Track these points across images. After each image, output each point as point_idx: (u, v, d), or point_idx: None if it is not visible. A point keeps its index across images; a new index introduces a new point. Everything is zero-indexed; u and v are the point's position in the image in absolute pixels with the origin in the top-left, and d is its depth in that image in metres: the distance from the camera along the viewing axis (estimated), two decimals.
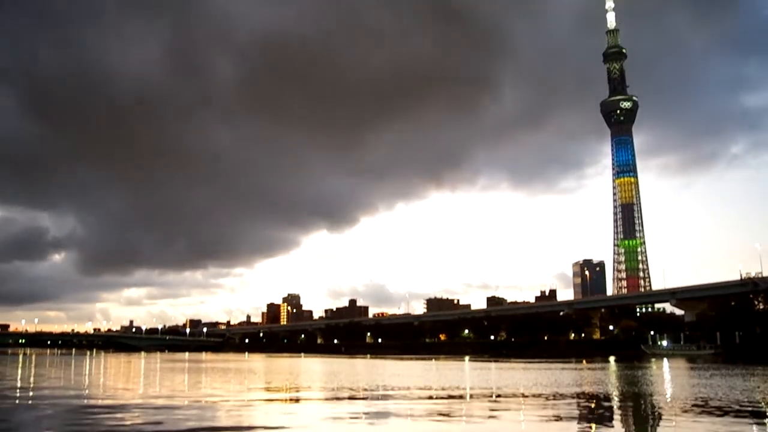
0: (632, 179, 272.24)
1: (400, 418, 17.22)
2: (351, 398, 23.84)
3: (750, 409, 18.06)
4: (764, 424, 15.62)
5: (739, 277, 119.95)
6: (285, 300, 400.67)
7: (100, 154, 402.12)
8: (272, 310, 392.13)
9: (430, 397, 24.04)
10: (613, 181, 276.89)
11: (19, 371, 50.56)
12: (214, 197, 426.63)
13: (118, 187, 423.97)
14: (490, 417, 17.62)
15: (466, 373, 44.20)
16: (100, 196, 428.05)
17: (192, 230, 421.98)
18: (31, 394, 27.93)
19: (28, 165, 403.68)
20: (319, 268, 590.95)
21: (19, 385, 34.48)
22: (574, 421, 17.14)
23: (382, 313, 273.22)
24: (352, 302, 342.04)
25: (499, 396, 23.84)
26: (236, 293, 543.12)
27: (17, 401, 24.37)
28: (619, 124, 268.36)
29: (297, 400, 24.06)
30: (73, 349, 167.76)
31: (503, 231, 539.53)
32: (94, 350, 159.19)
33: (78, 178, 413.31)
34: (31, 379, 36.71)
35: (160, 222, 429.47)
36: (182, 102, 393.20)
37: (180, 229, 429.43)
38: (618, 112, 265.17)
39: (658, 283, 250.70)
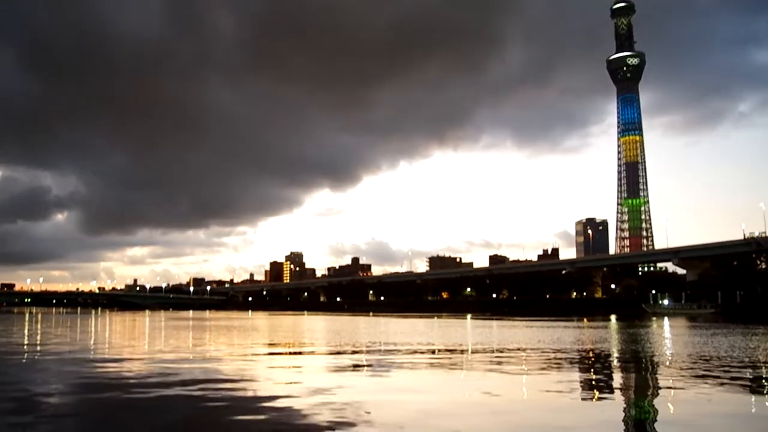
0: (637, 137, 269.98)
1: (403, 370, 17.28)
2: (354, 353, 23.98)
3: (751, 368, 18.01)
4: (764, 384, 15.52)
5: (742, 237, 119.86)
6: (288, 258, 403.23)
7: (101, 113, 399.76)
8: (275, 269, 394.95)
9: (432, 352, 24.15)
10: (618, 139, 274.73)
11: (26, 329, 51.06)
12: (217, 156, 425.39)
13: (120, 146, 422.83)
14: (491, 371, 17.68)
15: (468, 330, 44.49)
16: (102, 155, 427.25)
17: (194, 189, 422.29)
18: (38, 349, 28.23)
19: (28, 124, 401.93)
20: (322, 226, 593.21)
21: (26, 341, 34.83)
22: (575, 377, 17.16)
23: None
24: (355, 260, 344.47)
25: (500, 352, 23.91)
26: (239, 252, 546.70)
27: (25, 357, 24.58)
28: (626, 81, 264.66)
29: (300, 353, 24.22)
30: (78, 308, 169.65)
31: (506, 189, 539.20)
32: (99, 309, 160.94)
33: (79, 137, 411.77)
34: (38, 337, 37.00)
35: (163, 181, 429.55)
36: (183, 59, 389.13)
37: (182, 188, 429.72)
38: (624, 69, 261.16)
39: (660, 242, 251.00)
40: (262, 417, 10.81)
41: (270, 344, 30.55)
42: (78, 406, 12.50)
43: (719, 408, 11.66)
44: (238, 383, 15.02)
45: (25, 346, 30.57)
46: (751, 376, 16.27)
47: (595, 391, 14.75)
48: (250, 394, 13.36)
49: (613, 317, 75.06)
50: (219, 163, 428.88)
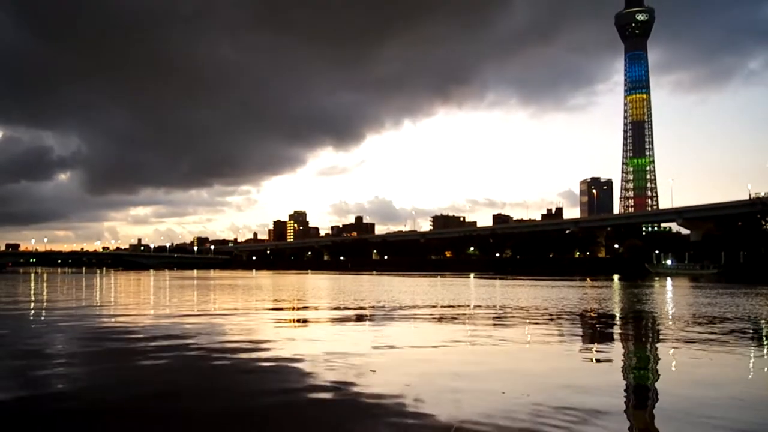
0: (644, 96, 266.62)
1: (407, 329, 17.29)
2: (358, 311, 24.04)
3: (753, 328, 17.96)
4: (764, 344, 15.47)
5: (747, 197, 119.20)
6: (291, 217, 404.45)
7: (102, 71, 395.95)
8: (279, 228, 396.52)
9: (436, 311, 24.17)
10: (625, 97, 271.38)
11: (33, 288, 51.55)
12: (219, 114, 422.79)
13: (122, 105, 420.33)
14: (494, 326, 17.70)
15: (471, 289, 44.65)
16: (104, 115, 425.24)
17: (197, 148, 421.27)
18: (45, 306, 28.46)
19: (29, 83, 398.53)
20: (325, 185, 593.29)
21: (33, 299, 35.19)
22: (577, 336, 17.17)
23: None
24: (359, 219, 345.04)
25: (502, 310, 23.94)
26: (243, 211, 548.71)
27: (32, 313, 24.77)
28: (634, 38, 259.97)
29: (304, 312, 24.31)
30: (83, 268, 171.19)
31: (510, 148, 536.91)
32: (104, 268, 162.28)
33: (80, 96, 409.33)
34: (44, 296, 37.30)
35: (165, 140, 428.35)
36: (184, 15, 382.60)
37: (185, 147, 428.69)
38: (633, 25, 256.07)
39: (665, 202, 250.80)
40: (267, 375, 10.77)
41: (274, 303, 30.68)
42: (82, 356, 12.53)
43: (720, 367, 11.60)
44: (242, 340, 15.03)
45: (32, 304, 30.86)
46: (751, 336, 16.20)
47: (595, 348, 14.73)
48: (254, 353, 13.34)
49: (615, 277, 75.31)
50: (221, 122, 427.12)
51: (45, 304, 30.60)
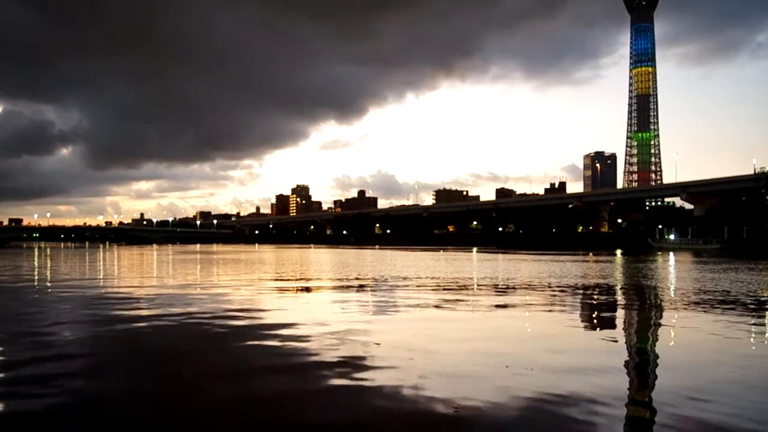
0: (650, 69, 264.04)
1: (410, 302, 17.26)
2: (361, 285, 24.05)
3: (755, 303, 17.90)
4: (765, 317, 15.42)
5: (752, 172, 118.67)
6: (294, 191, 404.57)
7: (103, 45, 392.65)
8: (281, 202, 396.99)
9: (439, 284, 24.16)
10: (630, 71, 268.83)
11: (36, 262, 51.76)
12: (221, 88, 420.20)
13: (123, 79, 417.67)
14: (497, 300, 17.66)
15: (473, 263, 44.65)
16: (105, 89, 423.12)
17: (199, 122, 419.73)
18: (49, 280, 28.56)
19: (29, 57, 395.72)
20: (328, 159, 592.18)
21: (37, 273, 35.31)
22: (579, 309, 17.14)
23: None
24: (361, 193, 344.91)
25: (505, 285, 23.92)
26: (245, 185, 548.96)
27: (37, 286, 24.85)
28: (641, 10, 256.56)
29: (307, 285, 24.33)
30: (86, 242, 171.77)
31: (514, 122, 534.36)
32: (107, 243, 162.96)
33: (81, 70, 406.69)
34: (48, 271, 37.46)
35: (167, 114, 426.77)
36: None
37: (187, 121, 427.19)
38: None
39: (669, 176, 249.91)
40: (271, 346, 10.73)
41: (278, 276, 30.70)
42: (86, 331, 12.55)
43: (721, 341, 11.54)
44: (245, 313, 15.00)
45: (36, 277, 30.97)
46: (753, 310, 16.14)
47: (598, 321, 14.69)
48: (257, 323, 13.32)
49: (618, 252, 75.29)
50: (224, 96, 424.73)
51: (49, 277, 30.73)
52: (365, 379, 8.27)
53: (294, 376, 8.54)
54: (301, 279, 28.85)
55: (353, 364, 9.17)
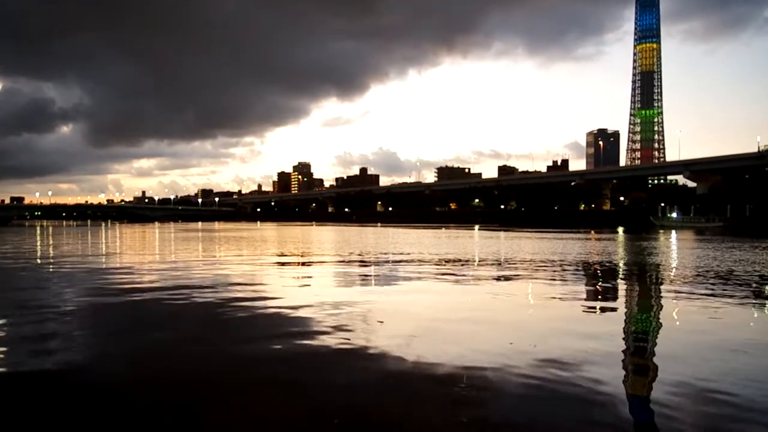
0: (654, 45, 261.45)
1: (412, 280, 17.26)
2: (363, 262, 24.06)
3: (757, 282, 17.86)
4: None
5: (756, 150, 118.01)
6: (295, 169, 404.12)
7: (103, 22, 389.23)
8: (283, 179, 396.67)
9: (441, 262, 24.17)
10: (635, 47, 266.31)
11: (39, 240, 51.92)
12: (222, 65, 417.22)
13: (123, 56, 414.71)
14: (499, 277, 17.66)
15: (475, 241, 44.65)
16: (105, 66, 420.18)
17: (200, 99, 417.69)
18: (52, 257, 28.66)
19: (29, 33, 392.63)
20: (330, 136, 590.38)
21: (40, 251, 35.43)
22: (581, 286, 17.12)
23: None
24: (363, 171, 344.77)
25: (507, 262, 23.91)
26: (247, 163, 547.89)
27: (40, 263, 24.92)
28: None
29: (309, 263, 24.35)
30: (88, 221, 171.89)
31: (517, 98, 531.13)
32: (109, 221, 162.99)
33: (81, 47, 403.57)
34: (51, 250, 37.58)
35: (167, 91, 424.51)
36: None
37: (187, 99, 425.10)
38: None
39: (672, 154, 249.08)
40: (275, 321, 10.74)
41: (280, 254, 30.73)
42: (89, 303, 12.59)
43: (724, 318, 11.52)
44: (247, 286, 15.01)
45: (39, 254, 31.08)
46: (755, 289, 16.12)
47: (599, 300, 14.67)
48: (259, 301, 13.31)
49: (620, 230, 75.23)
50: (225, 73, 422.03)
51: (52, 254, 30.82)
52: (369, 347, 8.28)
53: (294, 342, 8.55)
54: (303, 256, 28.87)
55: (353, 332, 9.18)
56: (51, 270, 22.33)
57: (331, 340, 9.22)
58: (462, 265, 23.17)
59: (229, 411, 6.09)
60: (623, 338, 10.05)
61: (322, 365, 7.88)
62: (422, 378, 7.23)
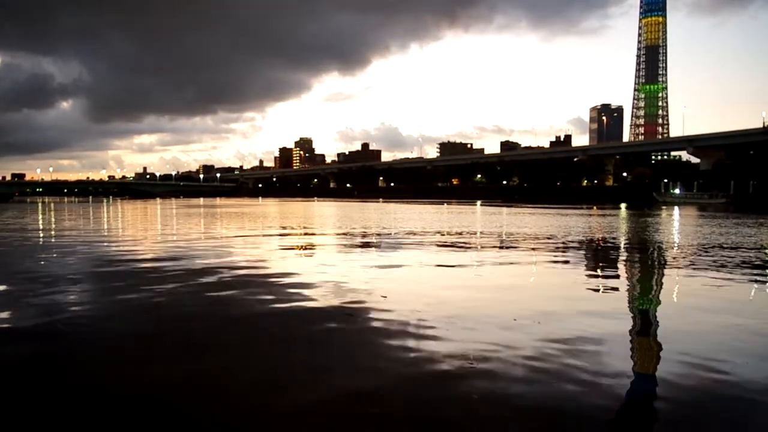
0: (660, 19, 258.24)
1: (415, 255, 17.17)
2: (365, 238, 24.01)
3: (758, 257, 17.77)
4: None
5: (762, 126, 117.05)
6: (297, 144, 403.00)
7: None
8: (284, 155, 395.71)
9: (442, 233, 24.09)
10: (640, 20, 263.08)
11: (40, 216, 51.96)
12: (222, 40, 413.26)
13: (123, 31, 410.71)
14: (501, 256, 17.58)
15: (477, 216, 44.54)
16: (104, 41, 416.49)
17: (200, 74, 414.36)
18: (54, 232, 28.64)
19: (27, 7, 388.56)
20: (331, 111, 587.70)
21: (41, 226, 35.47)
22: (582, 263, 17.06)
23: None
24: (365, 146, 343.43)
25: (509, 238, 23.82)
26: (248, 138, 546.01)
27: (42, 239, 24.93)
28: None
29: (311, 238, 24.27)
30: (90, 197, 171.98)
31: (520, 73, 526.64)
32: (110, 197, 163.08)
33: (80, 21, 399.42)
34: (52, 226, 37.64)
35: (168, 66, 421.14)
36: None
37: (188, 74, 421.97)
38: None
39: (676, 130, 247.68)
40: (278, 299, 10.66)
41: (282, 229, 30.66)
42: (92, 275, 12.55)
43: (727, 294, 11.45)
44: (250, 269, 14.93)
45: (41, 230, 31.09)
46: (757, 265, 16.02)
47: (600, 276, 14.58)
48: (260, 272, 13.24)
49: (623, 206, 75.04)
50: (225, 48, 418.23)
51: (54, 230, 30.85)
52: (375, 319, 8.21)
53: (295, 320, 8.48)
54: (306, 232, 28.81)
55: (358, 309, 9.11)
56: (54, 246, 22.29)
57: (333, 324, 9.12)
58: (465, 242, 23.07)
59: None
60: (631, 315, 9.98)
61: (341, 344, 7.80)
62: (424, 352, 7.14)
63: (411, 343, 7.63)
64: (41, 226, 33.90)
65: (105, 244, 22.65)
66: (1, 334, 8.23)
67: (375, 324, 8.67)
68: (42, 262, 16.40)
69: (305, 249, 20.98)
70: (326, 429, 5.00)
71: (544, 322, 8.80)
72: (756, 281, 13.12)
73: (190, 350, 7.36)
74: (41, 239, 25.07)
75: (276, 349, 7.45)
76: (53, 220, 40.98)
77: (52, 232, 28.29)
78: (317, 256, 19.13)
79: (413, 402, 5.58)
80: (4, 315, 9.40)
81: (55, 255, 18.57)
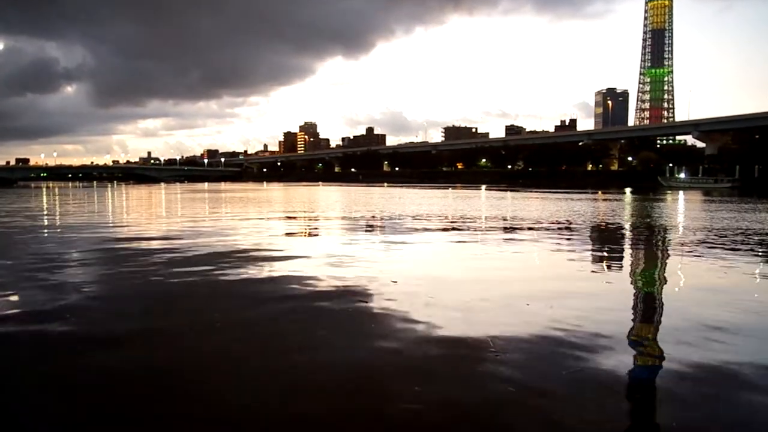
0: (666, 2, 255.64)
1: (422, 241, 17.24)
2: (371, 222, 24.07)
3: (762, 240, 17.79)
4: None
5: None
6: (302, 128, 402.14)
7: None
8: (289, 139, 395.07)
9: (449, 222, 24.16)
10: (646, 4, 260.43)
11: (45, 201, 52.17)
12: (226, 24, 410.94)
13: (126, 15, 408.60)
14: (506, 239, 17.63)
15: (482, 201, 44.57)
16: (108, 24, 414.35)
17: (204, 58, 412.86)
18: (59, 217, 28.79)
19: None
20: (336, 95, 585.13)
21: (46, 211, 35.62)
22: (587, 245, 17.13)
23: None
24: (370, 130, 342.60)
25: (515, 222, 23.87)
26: (252, 122, 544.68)
27: (46, 223, 25.06)
28: None
29: (317, 223, 24.36)
30: (94, 182, 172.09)
31: (525, 57, 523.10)
32: (115, 182, 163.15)
33: (83, 5, 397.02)
34: (57, 208, 37.81)
35: (172, 50, 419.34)
36: None
37: (192, 58, 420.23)
38: None
39: (682, 114, 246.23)
40: (281, 285, 10.76)
41: (287, 213, 30.75)
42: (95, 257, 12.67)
43: (732, 276, 11.50)
44: (253, 252, 15.02)
45: (46, 215, 31.26)
46: (761, 248, 16.06)
47: (605, 259, 14.64)
48: (265, 255, 13.33)
49: (628, 190, 74.88)
50: (229, 32, 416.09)
51: (59, 215, 31.02)
52: (388, 299, 8.30)
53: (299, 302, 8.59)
54: (311, 217, 28.89)
55: (366, 294, 9.20)
56: (58, 231, 22.43)
57: (343, 305, 9.21)
58: (471, 226, 23.13)
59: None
60: (637, 299, 10.05)
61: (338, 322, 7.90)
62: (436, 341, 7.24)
63: (421, 327, 7.73)
64: (47, 212, 34.04)
65: (110, 234, 22.73)
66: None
67: (388, 304, 8.76)
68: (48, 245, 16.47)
69: (311, 234, 21.06)
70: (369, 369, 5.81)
71: (555, 306, 8.87)
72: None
73: (245, 328, 7.48)
74: (45, 230, 25.15)
75: (306, 324, 7.58)
76: (58, 204, 41.16)
77: (57, 218, 28.38)
78: (325, 240, 19.21)
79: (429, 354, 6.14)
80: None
81: (59, 244, 18.59)
